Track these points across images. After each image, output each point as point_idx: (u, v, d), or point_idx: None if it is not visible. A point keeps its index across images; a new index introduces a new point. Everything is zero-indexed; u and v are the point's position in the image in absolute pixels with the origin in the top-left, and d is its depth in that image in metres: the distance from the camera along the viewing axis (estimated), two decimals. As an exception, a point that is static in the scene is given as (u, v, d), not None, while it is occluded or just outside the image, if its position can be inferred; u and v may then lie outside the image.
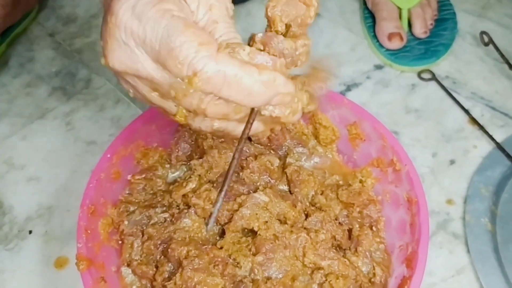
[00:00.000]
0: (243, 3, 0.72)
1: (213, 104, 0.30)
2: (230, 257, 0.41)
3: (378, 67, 0.64)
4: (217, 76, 0.29)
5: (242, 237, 0.43)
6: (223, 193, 0.35)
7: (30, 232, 0.51)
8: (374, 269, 0.42)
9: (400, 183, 0.44)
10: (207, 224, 0.33)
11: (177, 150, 0.49)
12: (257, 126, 0.34)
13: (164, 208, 0.45)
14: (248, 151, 0.48)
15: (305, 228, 0.43)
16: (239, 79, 0.29)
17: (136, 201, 0.47)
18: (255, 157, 0.47)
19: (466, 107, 0.59)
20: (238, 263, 0.41)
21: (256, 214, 0.42)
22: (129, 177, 0.48)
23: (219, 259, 0.40)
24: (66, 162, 0.56)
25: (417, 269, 0.38)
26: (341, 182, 0.48)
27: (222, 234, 0.44)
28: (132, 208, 0.46)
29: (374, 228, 0.45)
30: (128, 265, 0.43)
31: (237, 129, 0.33)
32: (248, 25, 0.70)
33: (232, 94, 0.29)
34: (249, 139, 0.50)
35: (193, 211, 0.44)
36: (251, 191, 0.45)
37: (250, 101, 0.30)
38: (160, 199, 0.46)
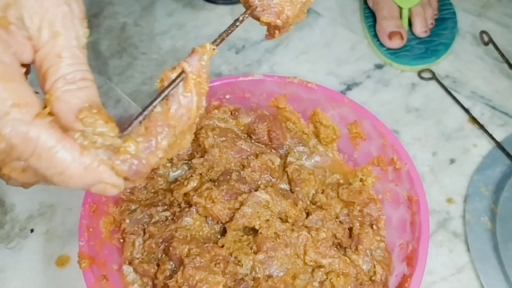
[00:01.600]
0: (244, 2, 0.72)
1: (19, 170, 0.26)
2: (231, 256, 0.41)
3: (379, 66, 0.64)
4: (25, 143, 0.24)
5: (243, 235, 0.43)
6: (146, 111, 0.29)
7: (32, 230, 0.51)
8: (374, 267, 0.42)
9: (400, 181, 0.44)
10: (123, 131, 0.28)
11: (178, 149, 0.49)
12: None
13: (166, 207, 0.46)
14: (249, 150, 0.48)
15: (306, 227, 0.43)
16: (53, 153, 0.25)
17: (138, 199, 0.47)
18: (256, 156, 0.47)
19: (466, 106, 0.59)
20: (239, 261, 0.41)
21: (258, 212, 0.43)
22: (130, 175, 0.48)
23: (221, 258, 0.41)
24: (67, 161, 0.56)
25: (417, 268, 0.38)
26: (341, 181, 0.48)
27: (223, 232, 0.44)
28: (133, 207, 0.46)
29: (374, 227, 0.45)
30: (130, 264, 0.43)
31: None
32: (249, 24, 0.70)
33: (42, 167, 0.25)
34: (250, 138, 0.51)
35: (194, 209, 0.44)
36: (252, 190, 0.45)
37: (62, 181, 0.26)
38: (161, 198, 0.47)
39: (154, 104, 0.27)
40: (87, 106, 0.26)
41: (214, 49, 0.28)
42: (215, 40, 0.30)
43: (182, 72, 0.27)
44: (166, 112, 0.27)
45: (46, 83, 0.26)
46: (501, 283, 0.45)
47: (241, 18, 0.32)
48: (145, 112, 0.27)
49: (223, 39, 0.30)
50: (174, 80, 0.27)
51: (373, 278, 0.42)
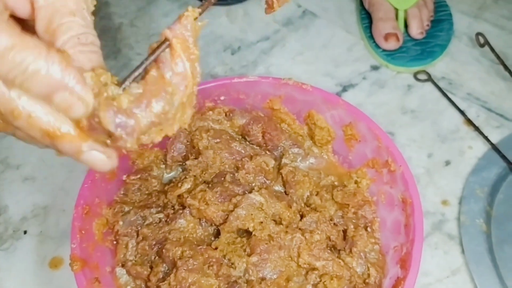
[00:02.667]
0: (240, 3, 0.72)
1: None
2: (224, 258, 0.41)
3: (375, 67, 0.64)
4: None
5: (237, 237, 0.43)
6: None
7: (25, 232, 0.51)
8: (368, 269, 0.42)
9: (395, 184, 0.44)
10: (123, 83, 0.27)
11: (172, 151, 0.49)
12: None
13: (159, 209, 0.46)
14: (243, 151, 0.48)
15: (300, 229, 0.43)
16: (16, 51, 0.23)
17: (131, 201, 0.47)
18: (251, 158, 0.47)
19: (461, 108, 0.59)
20: (232, 263, 0.41)
21: (252, 214, 0.43)
22: (124, 177, 0.48)
23: (214, 260, 0.41)
24: (61, 162, 0.56)
25: (411, 270, 0.38)
26: (336, 183, 0.48)
27: (217, 234, 0.44)
28: (127, 209, 0.46)
29: (369, 229, 0.45)
30: (123, 266, 0.43)
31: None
32: (246, 25, 0.70)
33: (3, 69, 0.24)
34: (245, 139, 0.50)
35: (188, 211, 0.44)
36: (246, 192, 0.45)
37: (25, 80, 0.24)
38: (155, 200, 0.47)
39: (139, 70, 0.26)
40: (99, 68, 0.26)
41: (197, 13, 0.27)
42: (200, 6, 0.28)
43: (166, 40, 0.26)
44: (162, 77, 0.26)
45: (57, 40, 0.25)
46: (495, 285, 0.45)
47: None
48: (135, 74, 0.26)
49: (208, 5, 0.29)
50: (157, 48, 0.26)
51: (367, 280, 0.41)
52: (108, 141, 0.26)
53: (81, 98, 0.25)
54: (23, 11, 0.27)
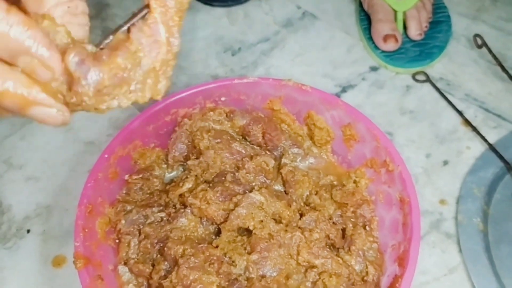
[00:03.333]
0: (241, 4, 0.73)
1: None
2: (225, 256, 0.42)
3: (374, 68, 0.65)
4: None
5: (237, 236, 0.44)
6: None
7: (28, 231, 0.52)
8: (367, 267, 0.42)
9: (393, 183, 0.45)
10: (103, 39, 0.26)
11: (174, 151, 0.50)
12: None
13: (161, 208, 0.46)
14: (244, 151, 0.49)
15: (299, 227, 0.44)
16: None
17: (133, 200, 0.47)
18: (251, 158, 0.48)
19: (459, 108, 0.59)
20: (233, 261, 0.42)
21: (252, 213, 0.43)
22: (126, 177, 0.48)
23: (215, 258, 0.41)
24: (64, 161, 0.57)
25: (408, 268, 0.39)
26: (335, 182, 0.49)
27: (218, 233, 0.44)
28: (129, 208, 0.46)
29: (367, 228, 0.46)
30: (125, 264, 0.44)
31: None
32: (246, 27, 0.71)
33: None
34: (245, 139, 0.51)
35: (189, 210, 0.44)
36: (246, 191, 0.45)
37: None
38: (157, 199, 0.47)
39: (113, 33, 0.26)
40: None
41: None
42: None
43: (147, 6, 0.26)
44: (127, 37, 0.25)
45: (43, 5, 0.24)
46: (492, 284, 0.46)
47: None
48: (110, 37, 0.26)
49: None
50: (137, 13, 0.26)
51: (365, 278, 0.42)
52: (73, 99, 0.25)
53: (44, 64, 0.23)
54: None
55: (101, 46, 0.26)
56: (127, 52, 0.25)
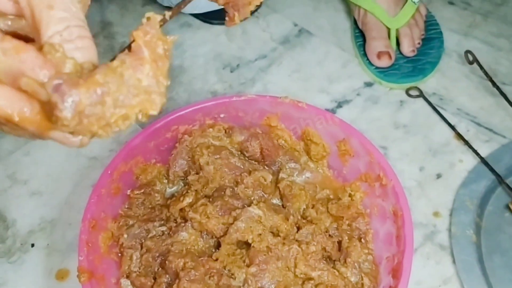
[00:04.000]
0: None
1: None
2: (225, 269, 0.43)
3: (368, 84, 0.67)
4: None
5: (236, 249, 0.45)
6: None
7: (33, 245, 0.53)
8: (362, 279, 0.44)
9: (386, 197, 0.46)
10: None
11: (174, 166, 0.51)
12: None
13: (162, 222, 0.48)
14: (242, 167, 0.50)
15: (296, 240, 0.45)
16: None
17: (135, 215, 0.49)
18: (249, 173, 0.49)
19: (452, 122, 0.61)
20: (232, 274, 0.43)
21: (250, 227, 0.45)
22: (128, 192, 0.50)
23: (215, 271, 0.42)
24: (68, 176, 0.58)
25: (401, 280, 0.40)
26: (331, 196, 0.50)
27: (217, 246, 0.46)
28: (131, 222, 0.48)
29: (362, 240, 0.47)
30: (127, 277, 0.45)
31: None
32: (244, 44, 0.72)
33: None
34: (244, 155, 0.53)
35: (189, 224, 0.46)
36: (245, 205, 0.47)
37: None
38: (158, 213, 0.48)
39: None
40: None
41: (161, 22, 0.26)
42: (170, 10, 0.29)
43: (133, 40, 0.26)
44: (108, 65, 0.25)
45: (41, 36, 0.24)
46: (485, 294, 0.47)
47: None
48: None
49: (177, 12, 0.29)
50: (125, 48, 0.26)
51: (360, 290, 0.43)
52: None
53: (40, 83, 0.23)
54: (5, 8, 0.25)
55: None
56: (106, 69, 0.24)
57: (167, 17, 0.28)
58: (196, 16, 0.75)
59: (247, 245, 0.45)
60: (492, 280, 0.48)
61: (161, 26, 0.26)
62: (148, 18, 0.26)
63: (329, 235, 0.47)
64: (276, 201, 0.50)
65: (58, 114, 0.24)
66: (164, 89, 0.26)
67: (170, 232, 0.46)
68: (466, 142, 0.59)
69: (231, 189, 0.48)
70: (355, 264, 0.44)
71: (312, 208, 0.48)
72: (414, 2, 0.66)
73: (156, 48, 0.26)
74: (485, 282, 0.48)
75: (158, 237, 0.46)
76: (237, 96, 0.52)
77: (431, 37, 0.69)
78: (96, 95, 0.24)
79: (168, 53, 0.26)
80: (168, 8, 0.75)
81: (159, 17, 0.26)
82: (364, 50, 0.68)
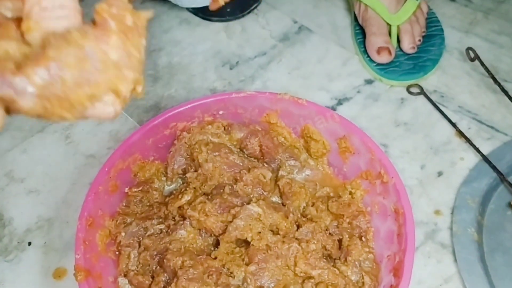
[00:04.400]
0: (238, 19, 0.74)
1: None
2: (224, 267, 0.43)
3: (369, 81, 0.66)
4: None
5: (235, 247, 0.45)
6: None
7: (30, 243, 0.52)
8: (363, 278, 0.43)
9: (387, 194, 0.46)
10: None
11: (173, 164, 0.51)
12: None
13: (160, 220, 0.47)
14: (241, 164, 0.49)
15: (296, 239, 0.44)
16: None
17: (133, 213, 0.48)
18: (249, 170, 0.49)
19: (453, 120, 0.60)
20: (231, 272, 0.42)
21: (250, 225, 0.44)
22: (126, 189, 0.49)
23: (213, 269, 0.42)
24: (65, 175, 0.58)
25: (403, 278, 0.39)
26: (331, 194, 0.50)
27: (216, 244, 0.45)
28: (129, 220, 0.47)
29: (363, 239, 0.46)
30: (125, 276, 0.44)
31: None
32: (243, 41, 0.72)
33: None
34: (243, 152, 0.52)
35: (188, 222, 0.45)
36: (244, 203, 0.46)
37: None
38: (156, 211, 0.48)
39: None
40: None
41: None
42: None
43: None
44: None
45: (24, 7, 0.23)
46: (487, 293, 0.46)
47: None
48: None
49: None
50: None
51: (361, 288, 0.43)
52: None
53: None
54: None
55: None
56: (61, 41, 0.22)
57: None
58: (195, 13, 0.75)
59: (246, 243, 0.44)
60: (494, 279, 0.48)
61: (130, 1, 0.24)
62: None
63: (329, 233, 0.46)
64: (275, 199, 0.49)
65: (17, 106, 0.21)
66: (137, 63, 0.23)
67: (168, 230, 0.46)
68: (468, 140, 0.58)
69: (230, 187, 0.47)
70: (356, 262, 0.44)
71: (312, 206, 0.48)
72: (415, -1, 0.66)
73: (124, 20, 0.23)
74: (487, 281, 0.47)
75: (156, 235, 0.46)
76: (236, 93, 0.52)
77: (432, 34, 0.68)
78: (49, 72, 0.21)
79: (141, 30, 0.24)
80: (171, 5, 0.74)
81: None
82: (364, 47, 0.67)
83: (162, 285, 0.42)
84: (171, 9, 0.76)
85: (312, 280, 0.42)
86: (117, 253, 0.46)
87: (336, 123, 0.49)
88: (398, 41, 0.67)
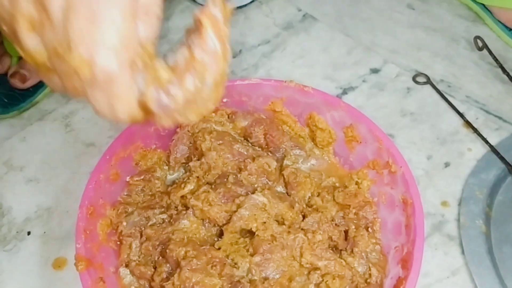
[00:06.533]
0: (241, 8, 0.73)
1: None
2: (228, 258, 0.42)
3: (374, 70, 0.65)
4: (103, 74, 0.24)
5: (240, 238, 0.44)
6: None
7: (29, 233, 0.51)
8: (370, 269, 0.42)
9: (395, 185, 0.45)
10: None
11: (175, 152, 0.50)
12: None
13: (163, 209, 0.46)
14: (246, 153, 0.48)
15: (302, 229, 0.44)
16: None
17: (135, 202, 0.47)
18: (253, 159, 0.48)
19: (460, 110, 0.59)
20: (236, 263, 0.41)
21: (255, 215, 0.43)
22: (127, 178, 0.48)
23: (217, 260, 0.41)
24: (65, 163, 0.57)
25: (412, 270, 0.38)
26: (337, 184, 0.49)
27: (220, 235, 0.44)
28: (130, 209, 0.46)
29: (370, 229, 0.45)
30: (127, 266, 0.43)
31: None
32: (246, 29, 0.71)
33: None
34: (247, 141, 0.51)
35: (191, 212, 0.44)
36: (249, 193, 0.45)
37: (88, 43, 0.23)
38: (158, 201, 0.47)
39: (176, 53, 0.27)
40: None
41: None
42: None
43: (198, 21, 0.27)
44: (191, 56, 0.26)
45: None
46: (495, 285, 0.46)
47: None
48: (169, 59, 0.27)
49: None
50: (192, 31, 0.27)
51: (368, 280, 0.42)
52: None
53: (127, 89, 0.25)
54: None
55: (162, 64, 0.27)
56: (196, 74, 0.26)
57: None
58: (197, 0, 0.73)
59: (250, 233, 0.43)
60: (502, 272, 0.47)
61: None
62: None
63: (336, 224, 0.45)
64: (280, 189, 0.48)
65: (157, 121, 0.27)
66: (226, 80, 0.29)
67: (171, 220, 0.45)
68: (475, 130, 0.57)
69: (234, 176, 0.46)
70: (363, 254, 0.43)
71: (318, 196, 0.47)
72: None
73: (221, 33, 0.27)
74: (495, 273, 0.47)
75: (158, 225, 0.45)
76: (240, 80, 0.51)
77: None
78: (188, 103, 0.27)
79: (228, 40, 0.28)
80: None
81: None
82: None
83: (165, 276, 0.42)
84: (173, -4, 0.74)
85: (318, 272, 0.41)
86: (118, 243, 0.45)
87: (343, 111, 0.48)
88: None
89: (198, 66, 0.26)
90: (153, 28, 0.26)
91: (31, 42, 0.24)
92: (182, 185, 0.46)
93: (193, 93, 0.26)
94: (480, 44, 0.62)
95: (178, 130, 0.50)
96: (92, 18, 0.22)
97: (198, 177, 0.47)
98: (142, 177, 0.48)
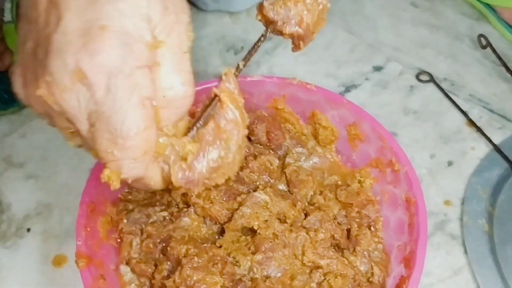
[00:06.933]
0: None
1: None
2: (229, 256, 0.41)
3: (377, 68, 0.64)
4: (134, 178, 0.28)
5: (241, 236, 0.43)
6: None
7: (29, 230, 0.51)
8: (372, 268, 0.42)
9: (398, 183, 0.44)
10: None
11: (177, 149, 0.49)
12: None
13: (163, 207, 0.46)
14: (247, 150, 0.48)
15: (304, 227, 0.43)
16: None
17: (135, 199, 0.47)
18: (255, 157, 0.47)
19: (464, 109, 0.59)
20: (237, 261, 0.41)
21: (256, 213, 0.43)
22: (128, 175, 0.48)
23: (219, 258, 0.41)
24: (65, 160, 0.56)
25: (415, 269, 0.38)
26: (340, 182, 0.48)
27: (221, 233, 0.44)
28: (131, 207, 0.46)
29: (372, 228, 0.45)
30: (127, 263, 0.43)
31: None
32: (248, 26, 0.70)
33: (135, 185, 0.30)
34: (249, 139, 0.51)
35: (192, 210, 0.44)
36: (251, 190, 0.45)
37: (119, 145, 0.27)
38: (159, 198, 0.46)
39: (197, 125, 0.31)
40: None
41: (236, 72, 0.32)
42: (242, 60, 0.34)
43: (216, 96, 0.31)
44: (218, 127, 0.30)
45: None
46: (498, 285, 0.45)
47: (264, 34, 0.36)
48: (192, 133, 0.30)
49: (249, 58, 0.34)
50: (209, 104, 0.31)
51: (370, 279, 0.42)
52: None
53: (154, 181, 0.29)
54: None
55: (189, 135, 0.30)
56: (221, 143, 0.30)
57: (241, 66, 0.33)
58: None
59: (252, 232, 0.43)
60: (505, 271, 0.47)
61: (237, 76, 0.32)
62: (224, 75, 0.31)
63: (338, 223, 0.45)
64: (282, 187, 0.48)
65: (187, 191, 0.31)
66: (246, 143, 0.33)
67: (172, 218, 0.44)
68: (479, 129, 0.57)
69: (235, 174, 0.46)
70: (365, 252, 0.43)
71: (320, 194, 0.47)
72: None
73: (238, 102, 0.31)
74: (498, 273, 0.46)
75: (159, 222, 0.44)
76: (242, 77, 0.50)
77: None
78: (214, 170, 0.30)
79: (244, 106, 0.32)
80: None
81: (231, 71, 0.32)
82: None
83: (166, 274, 0.41)
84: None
85: (320, 270, 0.41)
86: (119, 240, 0.45)
87: (346, 109, 0.48)
88: None
89: (223, 135, 0.30)
90: (177, 115, 0.28)
91: (71, 144, 0.31)
92: (184, 183, 0.45)
93: (217, 162, 0.30)
94: (483, 42, 0.62)
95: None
96: (115, 139, 0.26)
97: (199, 174, 0.46)
98: (143, 174, 0.48)
